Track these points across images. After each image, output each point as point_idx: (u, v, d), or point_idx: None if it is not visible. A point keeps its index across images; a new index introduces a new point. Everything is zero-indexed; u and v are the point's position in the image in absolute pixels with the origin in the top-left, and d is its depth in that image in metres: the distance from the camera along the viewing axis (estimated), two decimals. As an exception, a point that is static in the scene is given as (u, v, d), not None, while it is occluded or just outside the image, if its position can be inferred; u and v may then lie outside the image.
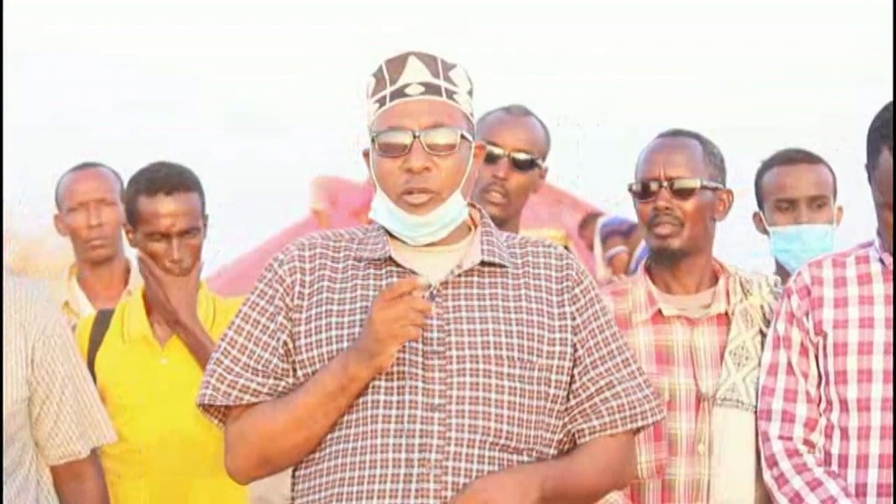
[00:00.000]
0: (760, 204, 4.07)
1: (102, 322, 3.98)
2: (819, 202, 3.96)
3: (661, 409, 2.84)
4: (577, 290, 2.81)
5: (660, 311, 3.29)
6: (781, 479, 3.14)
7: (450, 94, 2.77)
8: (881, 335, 3.13)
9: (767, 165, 4.05)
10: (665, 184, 3.29)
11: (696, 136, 3.38)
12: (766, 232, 4.04)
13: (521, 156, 3.71)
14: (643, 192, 3.31)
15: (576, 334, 2.78)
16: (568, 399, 2.77)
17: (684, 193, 3.29)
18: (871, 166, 3.13)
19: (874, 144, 3.12)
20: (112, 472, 3.85)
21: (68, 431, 3.25)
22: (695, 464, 3.21)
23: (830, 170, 4.03)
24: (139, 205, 3.84)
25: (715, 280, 3.36)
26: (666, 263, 3.32)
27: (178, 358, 3.85)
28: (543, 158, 3.80)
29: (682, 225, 3.28)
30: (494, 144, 3.66)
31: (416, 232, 2.74)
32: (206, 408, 2.79)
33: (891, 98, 3.16)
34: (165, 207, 3.80)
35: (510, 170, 3.70)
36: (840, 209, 4.04)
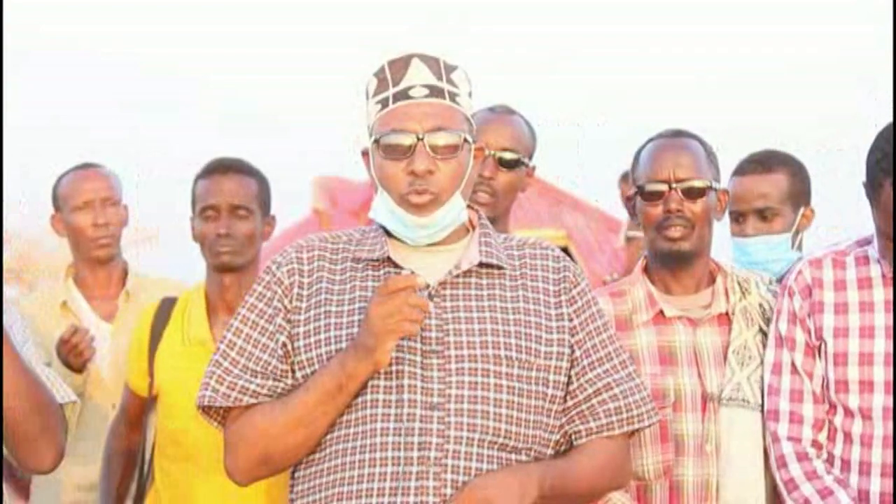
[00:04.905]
0: None
1: (163, 314, 3.97)
2: (768, 213, 3.91)
3: (657, 411, 2.85)
4: (574, 292, 2.81)
5: (661, 312, 3.28)
6: (791, 484, 3.14)
7: (452, 97, 2.76)
8: (881, 345, 3.13)
9: (732, 172, 4.01)
10: (675, 185, 3.27)
11: (696, 137, 3.36)
12: None
13: (507, 155, 3.71)
14: (652, 194, 3.29)
15: (573, 335, 2.78)
16: (565, 400, 2.77)
17: (694, 195, 3.27)
18: (874, 196, 3.13)
19: (875, 177, 3.11)
20: (180, 472, 3.83)
21: None
22: (703, 464, 3.20)
23: (795, 173, 3.97)
24: (198, 187, 3.93)
25: (712, 280, 3.35)
26: (672, 265, 3.31)
27: None
28: (530, 157, 3.79)
29: (693, 227, 3.27)
30: None
31: (416, 233, 2.74)
32: (206, 409, 2.79)
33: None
34: (218, 185, 3.90)
35: (496, 169, 3.69)
36: (811, 212, 3.98)
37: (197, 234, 3.94)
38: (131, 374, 4.00)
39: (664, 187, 3.27)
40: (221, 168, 3.91)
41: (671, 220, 3.26)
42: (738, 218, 3.95)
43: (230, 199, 3.88)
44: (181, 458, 3.83)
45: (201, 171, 3.95)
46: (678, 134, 3.35)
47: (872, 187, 3.12)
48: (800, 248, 3.99)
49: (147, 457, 4.03)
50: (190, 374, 3.82)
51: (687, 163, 3.28)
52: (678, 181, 3.26)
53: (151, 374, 3.91)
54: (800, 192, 3.96)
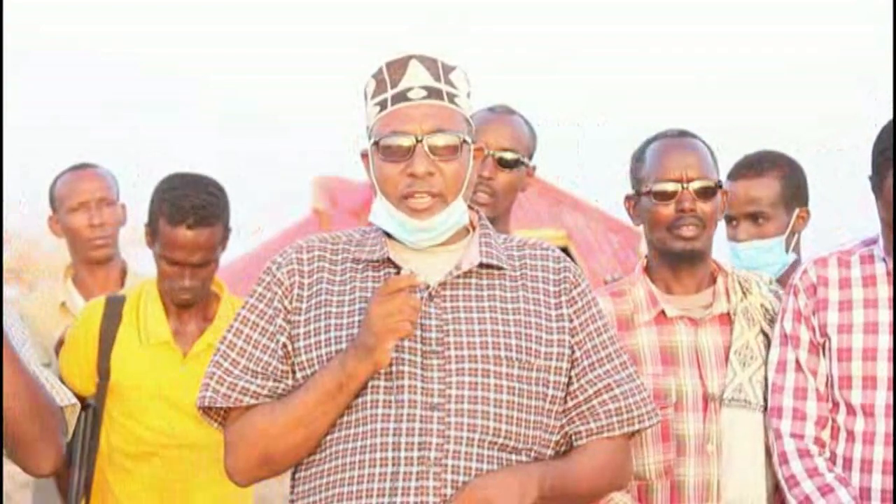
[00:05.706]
0: None
1: (113, 314, 3.92)
2: (759, 217, 3.89)
3: (657, 412, 2.84)
4: (574, 293, 2.80)
5: (663, 312, 3.28)
6: (792, 481, 3.14)
7: (451, 98, 2.76)
8: (885, 341, 3.13)
9: (726, 176, 3.98)
10: (687, 185, 3.26)
11: (698, 137, 3.36)
12: None
13: (507, 155, 3.70)
14: (663, 194, 3.28)
15: (573, 336, 2.77)
16: (565, 400, 2.77)
17: (705, 194, 3.26)
18: (878, 187, 3.14)
19: (880, 168, 3.12)
20: (152, 474, 3.81)
21: None
22: (704, 464, 3.20)
23: (788, 174, 3.94)
24: (160, 226, 3.82)
25: (712, 280, 3.35)
26: (677, 265, 3.30)
27: (199, 367, 3.83)
28: (530, 157, 3.78)
29: (704, 226, 3.26)
30: None
31: (417, 236, 2.74)
32: (206, 410, 2.79)
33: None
34: (184, 239, 3.78)
35: (496, 169, 3.69)
36: (806, 212, 3.95)
37: (156, 264, 3.88)
38: (71, 374, 3.91)
39: (676, 187, 3.26)
40: (191, 221, 3.77)
41: (684, 220, 3.25)
42: (731, 222, 3.94)
43: (196, 258, 3.81)
44: (157, 458, 3.82)
45: (167, 211, 3.80)
46: (683, 134, 3.35)
47: (876, 179, 3.13)
48: (796, 249, 3.97)
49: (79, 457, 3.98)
50: (151, 375, 3.81)
51: (697, 163, 3.28)
52: (689, 181, 3.26)
53: (103, 375, 3.87)
54: (793, 194, 3.94)
